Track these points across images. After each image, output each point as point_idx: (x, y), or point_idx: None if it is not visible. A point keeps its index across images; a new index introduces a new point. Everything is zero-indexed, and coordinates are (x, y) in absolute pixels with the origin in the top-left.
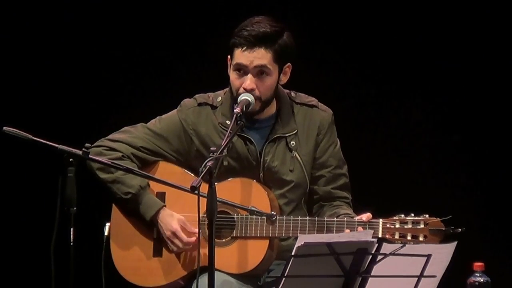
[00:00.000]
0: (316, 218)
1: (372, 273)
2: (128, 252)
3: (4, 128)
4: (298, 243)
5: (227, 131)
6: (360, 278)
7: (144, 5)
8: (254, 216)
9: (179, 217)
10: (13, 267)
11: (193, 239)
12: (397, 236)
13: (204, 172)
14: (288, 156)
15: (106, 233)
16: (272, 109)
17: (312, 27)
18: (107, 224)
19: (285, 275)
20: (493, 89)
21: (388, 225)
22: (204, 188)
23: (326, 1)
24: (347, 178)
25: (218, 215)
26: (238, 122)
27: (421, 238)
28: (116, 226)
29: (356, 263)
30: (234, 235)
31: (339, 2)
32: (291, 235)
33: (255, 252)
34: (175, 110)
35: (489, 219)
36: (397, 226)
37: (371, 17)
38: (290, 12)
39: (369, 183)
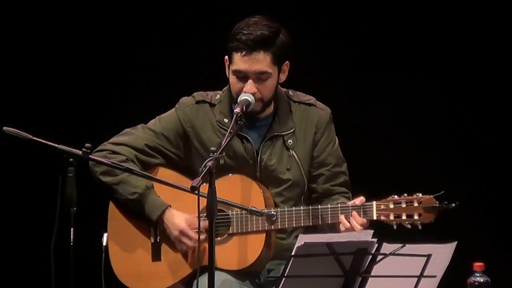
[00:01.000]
0: (310, 207)
1: (372, 273)
2: (127, 259)
3: (4, 128)
4: (298, 243)
5: (224, 129)
6: (360, 278)
7: (142, 7)
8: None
9: (185, 216)
10: (13, 267)
11: (202, 236)
12: (392, 217)
13: (204, 172)
14: (285, 155)
15: (104, 243)
16: (270, 108)
17: (309, 25)
18: (105, 234)
19: (285, 275)
20: (488, 80)
21: (382, 207)
22: (203, 188)
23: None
24: (346, 176)
25: None
26: (238, 122)
27: (416, 217)
28: (113, 234)
29: (356, 263)
30: (231, 232)
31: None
32: (287, 226)
33: (253, 246)
34: (174, 108)
35: (489, 219)
36: (391, 206)
37: (368, 15)
38: (287, 10)
39: (362, 167)
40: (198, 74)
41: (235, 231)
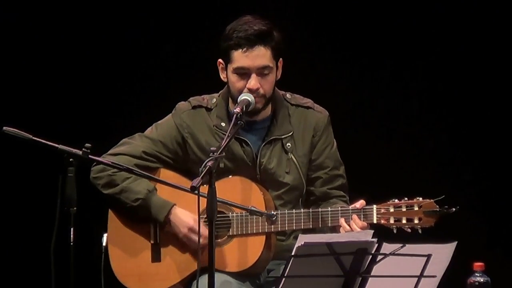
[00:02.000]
0: (311, 210)
1: (372, 273)
2: (127, 260)
3: (4, 128)
4: (298, 243)
5: (222, 133)
6: (360, 278)
7: (143, 9)
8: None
9: (191, 215)
10: (13, 267)
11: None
12: (392, 221)
13: (204, 172)
14: (284, 158)
15: (104, 243)
16: (267, 110)
17: (306, 26)
18: (105, 235)
19: (285, 275)
20: (487, 85)
21: (382, 211)
22: (204, 189)
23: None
24: (344, 179)
25: None
26: (238, 122)
27: (416, 221)
28: (113, 235)
29: (356, 263)
30: (231, 234)
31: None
32: (286, 228)
33: (253, 248)
34: (170, 114)
35: (489, 219)
36: (392, 210)
37: (365, 16)
38: (284, 12)
39: (361, 171)
40: (194, 77)
41: (235, 233)
